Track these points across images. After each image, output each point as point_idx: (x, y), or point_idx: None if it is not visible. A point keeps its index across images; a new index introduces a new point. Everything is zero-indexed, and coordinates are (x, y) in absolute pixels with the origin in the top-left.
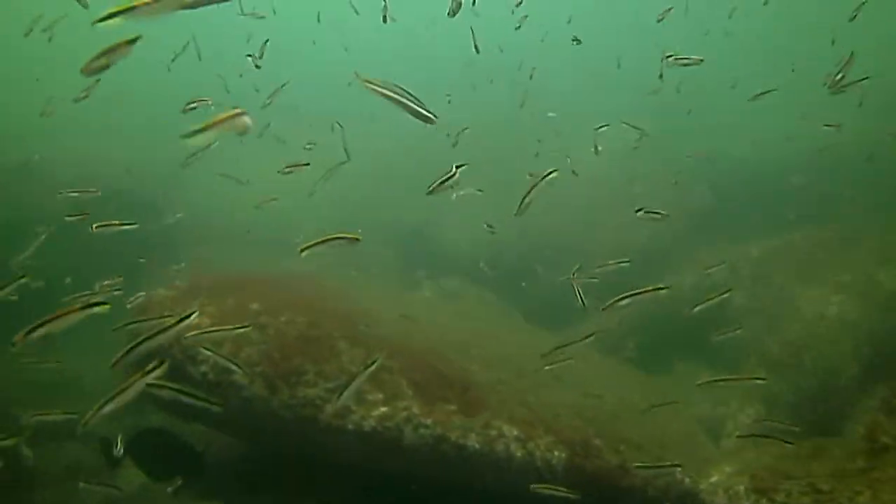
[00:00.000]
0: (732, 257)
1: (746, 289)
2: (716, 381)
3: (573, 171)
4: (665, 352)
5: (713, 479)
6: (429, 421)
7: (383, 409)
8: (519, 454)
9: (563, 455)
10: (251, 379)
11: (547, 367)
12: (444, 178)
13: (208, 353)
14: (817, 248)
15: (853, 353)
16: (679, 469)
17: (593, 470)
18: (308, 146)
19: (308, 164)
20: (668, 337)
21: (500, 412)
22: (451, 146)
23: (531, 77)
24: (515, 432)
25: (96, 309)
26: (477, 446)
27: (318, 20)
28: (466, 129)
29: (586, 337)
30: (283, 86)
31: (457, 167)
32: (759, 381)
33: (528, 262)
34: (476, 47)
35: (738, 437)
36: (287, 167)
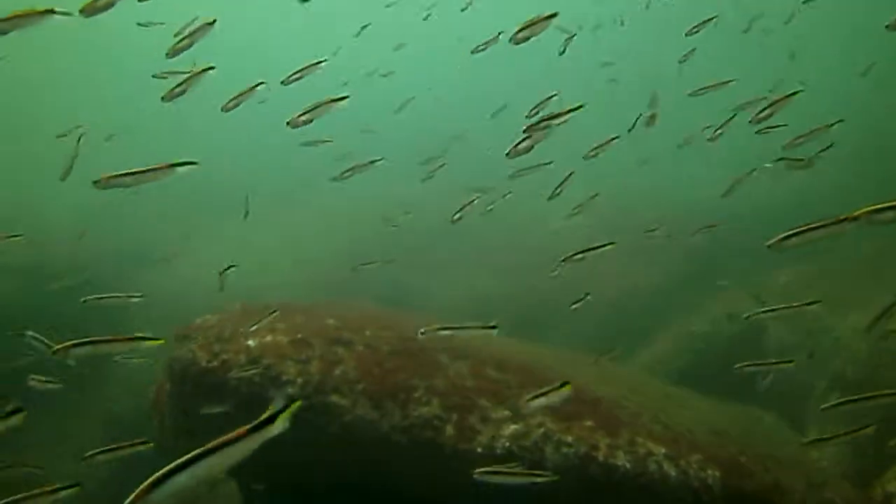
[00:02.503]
0: (757, 290)
1: (779, 321)
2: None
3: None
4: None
5: None
6: (570, 438)
7: (514, 426)
8: (673, 474)
9: (718, 474)
10: (354, 400)
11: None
12: None
13: (293, 370)
14: (841, 276)
15: None
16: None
17: (752, 490)
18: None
19: None
20: (708, 366)
21: (639, 429)
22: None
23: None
24: (664, 450)
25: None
26: (628, 466)
27: None
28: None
29: None
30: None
31: None
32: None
33: (532, 313)
34: None
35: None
36: None
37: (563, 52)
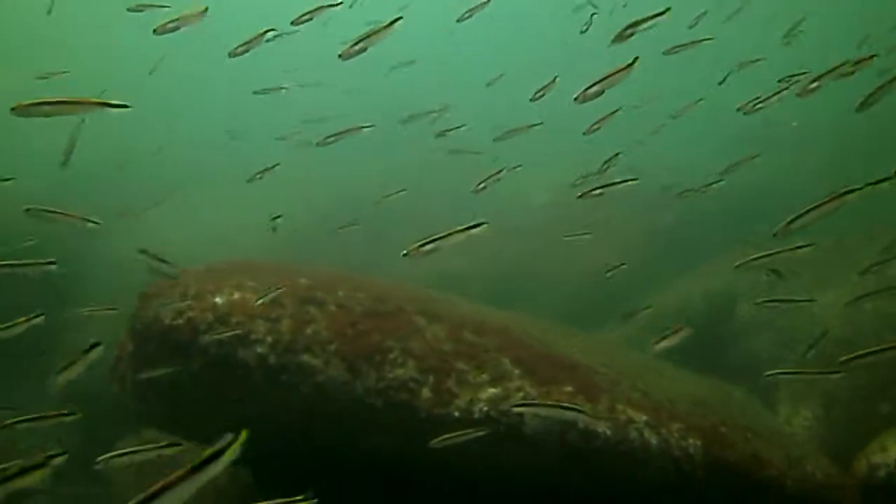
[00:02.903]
0: (726, 268)
1: (749, 298)
2: (793, 372)
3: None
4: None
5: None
6: (549, 403)
7: (492, 390)
8: (654, 442)
9: (699, 444)
10: (326, 360)
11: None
12: None
13: (263, 329)
14: (814, 256)
15: None
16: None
17: (734, 460)
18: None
19: None
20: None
21: (618, 395)
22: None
23: None
24: (644, 417)
25: None
26: (609, 433)
27: None
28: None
29: None
30: None
31: None
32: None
33: (504, 287)
34: None
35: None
36: None
37: (586, 29)
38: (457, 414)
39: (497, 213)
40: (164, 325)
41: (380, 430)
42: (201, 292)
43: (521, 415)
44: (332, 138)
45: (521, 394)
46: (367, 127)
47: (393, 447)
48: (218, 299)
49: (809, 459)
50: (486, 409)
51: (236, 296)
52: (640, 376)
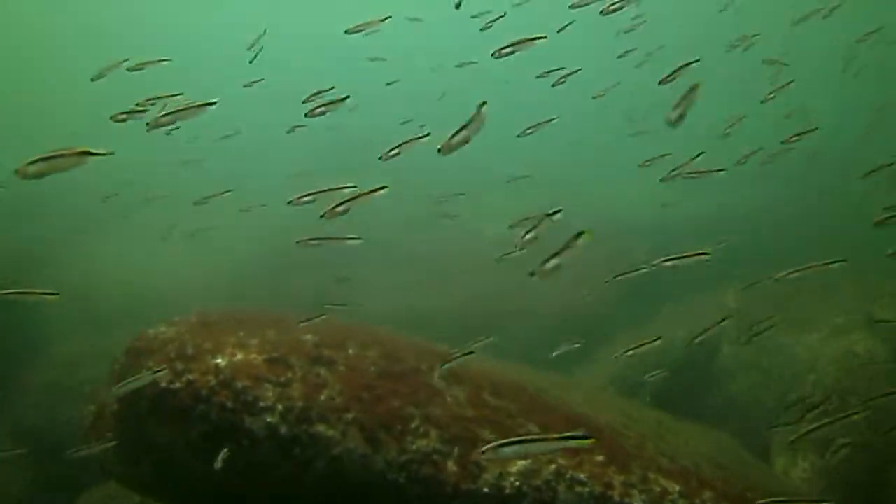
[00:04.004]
0: (708, 309)
1: (732, 340)
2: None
3: None
4: (662, 399)
5: None
6: (583, 475)
7: (523, 462)
8: None
9: None
10: (343, 430)
11: None
12: None
13: (272, 395)
14: (787, 298)
15: None
16: None
17: None
18: None
19: None
20: (662, 383)
21: (648, 463)
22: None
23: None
24: (678, 488)
25: None
26: None
27: None
28: None
29: None
30: None
31: None
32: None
33: (471, 324)
34: None
35: None
36: None
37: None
38: (486, 490)
39: (456, 246)
40: (160, 388)
41: None
42: (200, 352)
43: (554, 489)
44: (322, 242)
45: (553, 466)
46: (355, 239)
47: None
48: (219, 360)
49: None
50: (517, 483)
51: (239, 356)
52: (661, 436)
